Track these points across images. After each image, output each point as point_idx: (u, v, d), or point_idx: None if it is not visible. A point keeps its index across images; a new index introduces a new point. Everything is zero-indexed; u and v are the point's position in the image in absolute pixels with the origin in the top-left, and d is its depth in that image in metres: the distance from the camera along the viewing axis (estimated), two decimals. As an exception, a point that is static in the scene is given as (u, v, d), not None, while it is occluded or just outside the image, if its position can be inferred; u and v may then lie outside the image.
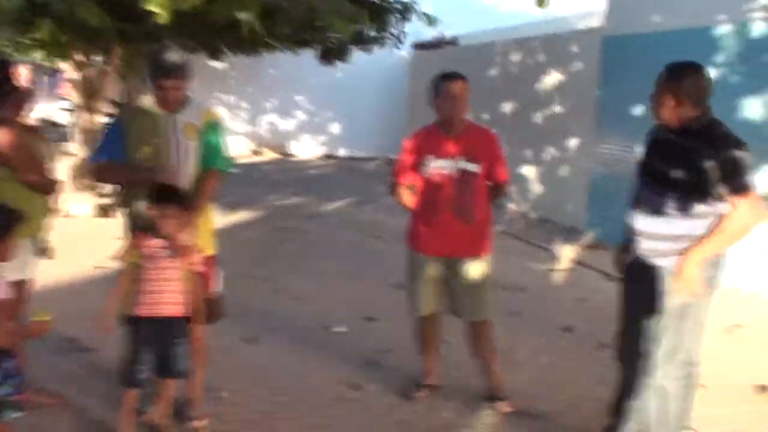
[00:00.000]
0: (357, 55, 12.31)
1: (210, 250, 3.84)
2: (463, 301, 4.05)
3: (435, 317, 4.19)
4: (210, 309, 3.76)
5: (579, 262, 7.71)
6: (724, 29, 7.06)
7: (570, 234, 8.97)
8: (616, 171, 8.45)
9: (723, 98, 7.02)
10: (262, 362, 4.71)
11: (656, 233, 3.30)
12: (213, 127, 3.86)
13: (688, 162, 3.15)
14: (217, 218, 4.15)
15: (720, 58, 6.92)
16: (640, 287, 3.42)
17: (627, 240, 3.51)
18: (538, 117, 10.54)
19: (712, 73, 7.12)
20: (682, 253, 3.21)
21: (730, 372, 4.76)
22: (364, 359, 4.79)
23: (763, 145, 6.51)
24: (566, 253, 8.01)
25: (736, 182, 3.10)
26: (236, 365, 4.58)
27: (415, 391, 4.26)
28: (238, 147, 16.66)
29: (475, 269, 3.99)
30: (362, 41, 11.23)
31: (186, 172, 3.70)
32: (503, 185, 4.12)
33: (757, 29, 6.75)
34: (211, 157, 3.82)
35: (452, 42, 14.71)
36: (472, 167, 3.93)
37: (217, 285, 3.88)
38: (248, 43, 10.52)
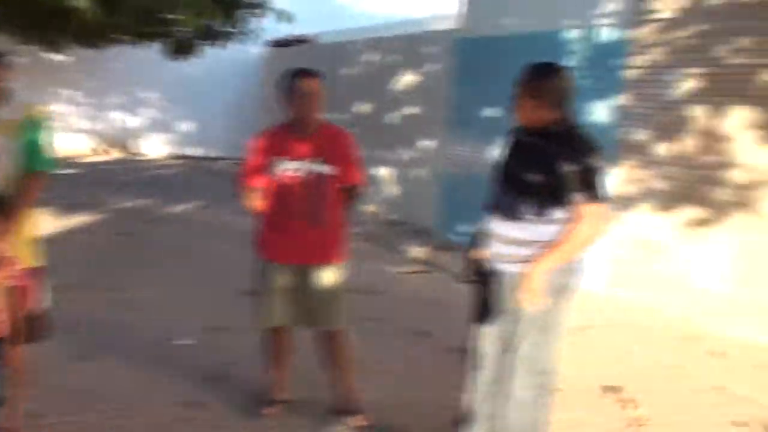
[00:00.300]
0: (210, 52, 11.87)
1: (32, 260, 3.44)
2: (316, 311, 3.82)
3: (286, 328, 3.94)
4: (32, 326, 3.37)
5: (433, 265, 7.67)
6: (573, 34, 7.21)
7: (423, 236, 8.95)
8: (467, 172, 8.49)
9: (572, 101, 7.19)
10: (94, 382, 4.30)
11: (512, 238, 3.21)
12: (36, 124, 3.45)
13: (548, 166, 3.07)
14: (51, 223, 3.73)
15: (569, 61, 7.05)
16: (494, 293, 3.32)
17: (479, 243, 3.41)
18: (393, 118, 10.49)
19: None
20: (535, 259, 3.13)
21: (581, 374, 4.78)
22: (209, 374, 4.47)
23: (608, 149, 6.70)
24: (420, 256, 7.96)
25: (592, 190, 3.05)
26: (64, 387, 4.14)
27: (264, 408, 4.00)
28: (79, 145, 15.73)
29: (328, 277, 3.78)
30: (212, 36, 10.81)
31: (1, 173, 3.28)
32: (358, 188, 3.93)
33: (603, 34, 6.93)
34: (33, 158, 3.41)
35: (309, 40, 14.49)
36: (325, 169, 3.72)
37: (42, 299, 3.47)
38: (88, 35, 9.88)
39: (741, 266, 5.74)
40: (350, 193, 3.89)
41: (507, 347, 3.29)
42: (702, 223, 6.05)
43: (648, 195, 6.52)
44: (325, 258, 3.77)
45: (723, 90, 5.90)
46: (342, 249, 3.87)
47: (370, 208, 10.56)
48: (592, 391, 4.56)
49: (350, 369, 4.01)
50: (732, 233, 5.81)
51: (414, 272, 7.45)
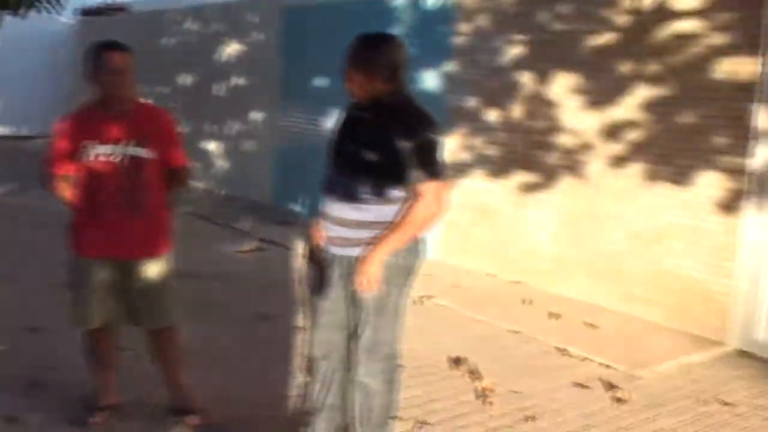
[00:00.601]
0: (12, 21, 10.87)
1: None
2: (142, 308, 3.49)
3: (108, 328, 3.59)
4: None
5: (270, 241, 7.42)
6: (398, 1, 7.11)
7: (259, 211, 8.67)
8: (301, 145, 8.28)
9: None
10: None
11: (350, 220, 3.02)
12: None
13: (383, 143, 2.90)
14: None
15: (397, 29, 6.95)
16: (333, 278, 3.14)
17: (317, 225, 3.21)
18: (220, 90, 10.05)
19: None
20: (374, 242, 2.96)
21: (426, 347, 4.73)
22: (25, 381, 4.01)
23: (438, 115, 6.67)
24: (257, 232, 7.69)
25: (430, 167, 2.90)
26: None
27: (91, 415, 3.64)
28: None
29: (152, 270, 3.45)
30: (11, 3, 9.87)
31: None
32: (182, 171, 3.61)
33: (429, 1, 6.87)
34: None
35: (123, 8, 13.61)
36: (143, 152, 3.38)
37: None
38: None
39: (570, 228, 5.90)
40: (174, 177, 3.56)
41: (349, 334, 3.14)
42: (533, 187, 6.17)
43: (480, 161, 6.57)
44: (149, 251, 3.44)
45: (547, 56, 5.99)
46: (168, 239, 3.55)
47: (202, 184, 10.11)
48: (439, 364, 4.51)
49: (182, 366, 3.71)
50: (561, 196, 5.95)
51: (251, 250, 7.17)
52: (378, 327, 3.07)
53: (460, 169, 6.69)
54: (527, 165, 6.19)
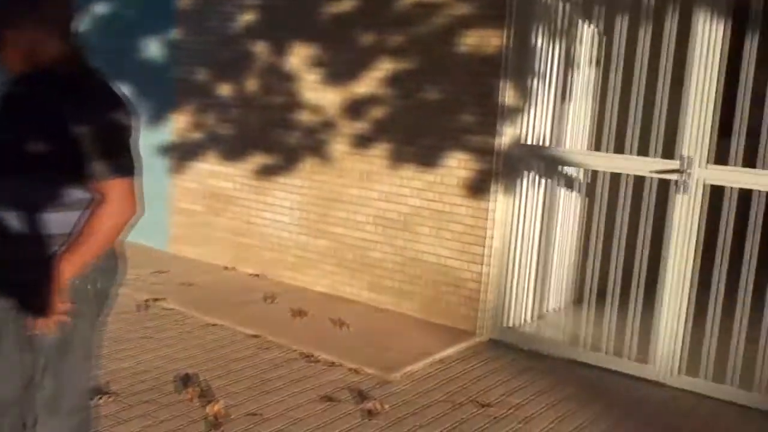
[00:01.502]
0: None
1: None
2: None
3: None
4: None
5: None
6: (112, -44, 6.16)
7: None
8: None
9: (117, 36, 6.17)
10: None
11: (17, 234, 2.22)
12: None
13: (54, 128, 2.11)
14: None
15: (110, -11, 6.02)
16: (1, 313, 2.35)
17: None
18: None
19: (103, 7, 6.20)
20: (50, 264, 2.18)
21: (147, 365, 3.97)
22: None
23: (163, 88, 5.87)
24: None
25: (117, 159, 2.15)
26: None
27: None
28: None
29: None
30: None
31: None
32: None
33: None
34: None
35: None
36: None
37: None
38: None
39: (312, 214, 5.39)
40: None
41: (26, 384, 2.35)
42: (271, 170, 5.58)
43: (213, 141, 5.86)
44: None
45: (283, 24, 5.40)
46: None
47: None
48: (163, 386, 3.77)
49: None
50: (302, 180, 5.42)
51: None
52: (61, 373, 2.30)
53: (191, 151, 5.94)
54: (265, 145, 5.58)
